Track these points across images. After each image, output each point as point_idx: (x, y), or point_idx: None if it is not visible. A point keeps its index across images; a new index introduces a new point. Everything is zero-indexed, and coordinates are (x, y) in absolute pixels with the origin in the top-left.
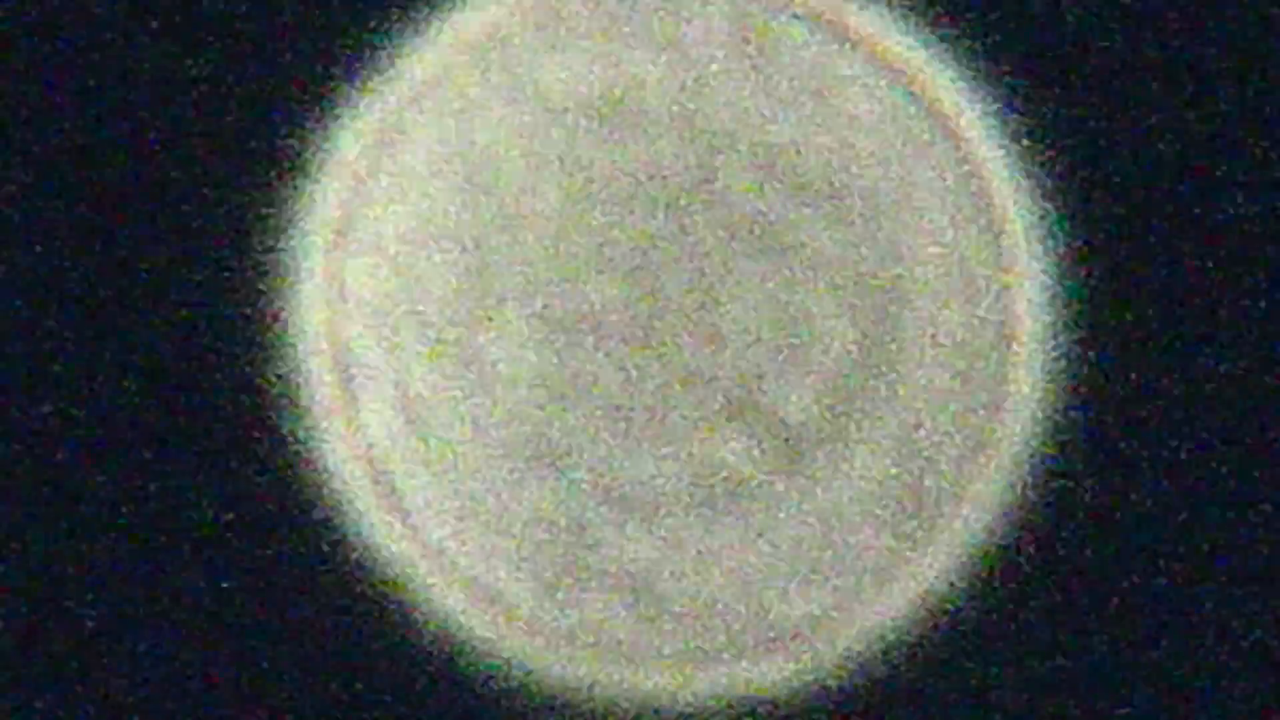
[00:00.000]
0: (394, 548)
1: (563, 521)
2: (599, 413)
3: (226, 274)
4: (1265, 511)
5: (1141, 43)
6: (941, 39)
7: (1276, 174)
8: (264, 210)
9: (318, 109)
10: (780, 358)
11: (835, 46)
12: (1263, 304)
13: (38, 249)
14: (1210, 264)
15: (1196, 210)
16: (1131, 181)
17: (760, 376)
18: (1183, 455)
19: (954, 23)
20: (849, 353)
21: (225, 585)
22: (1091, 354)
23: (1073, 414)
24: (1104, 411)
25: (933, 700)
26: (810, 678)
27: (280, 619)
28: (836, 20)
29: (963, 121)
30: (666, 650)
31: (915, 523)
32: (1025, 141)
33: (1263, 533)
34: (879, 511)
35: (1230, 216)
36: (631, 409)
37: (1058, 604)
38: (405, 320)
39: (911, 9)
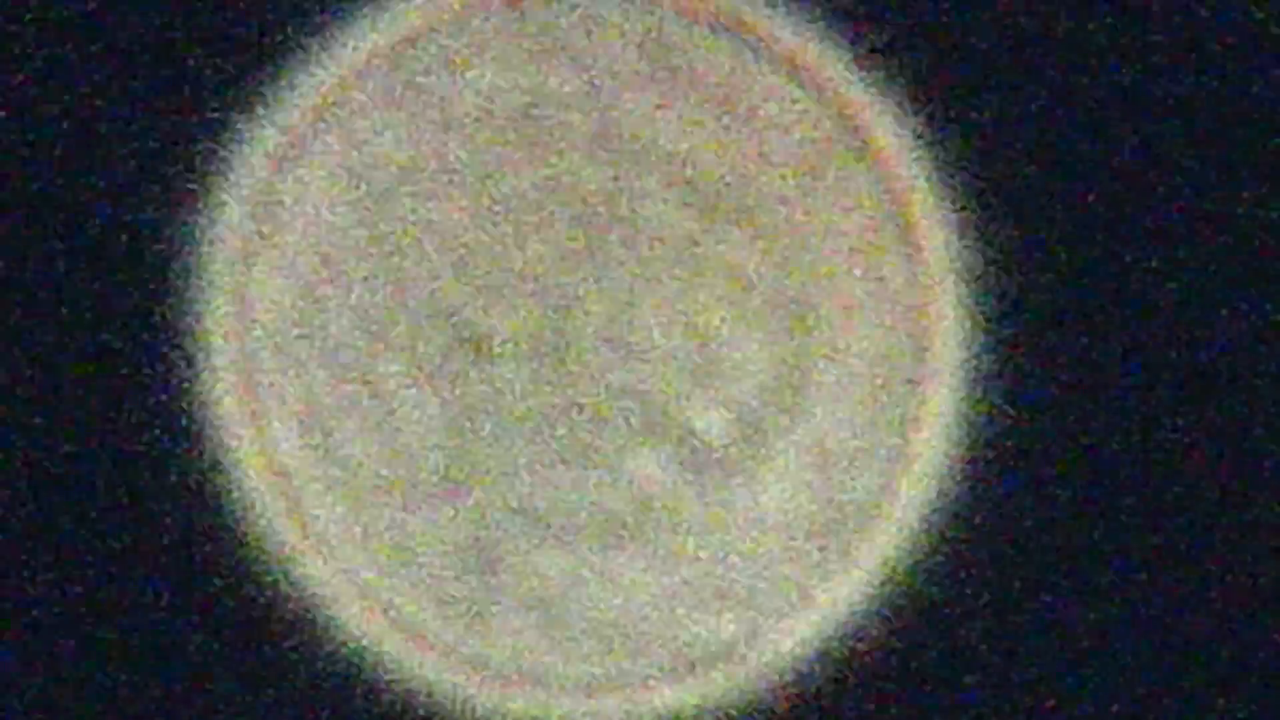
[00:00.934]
0: (302, 570)
1: (472, 544)
2: (509, 433)
3: (131, 294)
4: (1183, 523)
5: (1061, 57)
6: (857, 53)
7: (1195, 185)
8: (169, 229)
9: (223, 126)
10: (694, 377)
11: (750, 60)
12: (1181, 319)
13: None
14: (1129, 278)
15: (1116, 225)
16: (1049, 197)
17: (674, 396)
18: (1099, 469)
19: (869, 36)
20: (764, 371)
21: (128, 605)
22: (1007, 370)
23: (988, 431)
24: (1019, 428)
25: None
26: (724, 702)
27: (184, 642)
28: (751, 33)
29: (879, 137)
30: (577, 674)
31: (831, 543)
32: (941, 157)
33: (1181, 545)
34: (794, 533)
35: (1151, 229)
36: (542, 429)
37: (975, 623)
38: (312, 341)
39: (827, 23)
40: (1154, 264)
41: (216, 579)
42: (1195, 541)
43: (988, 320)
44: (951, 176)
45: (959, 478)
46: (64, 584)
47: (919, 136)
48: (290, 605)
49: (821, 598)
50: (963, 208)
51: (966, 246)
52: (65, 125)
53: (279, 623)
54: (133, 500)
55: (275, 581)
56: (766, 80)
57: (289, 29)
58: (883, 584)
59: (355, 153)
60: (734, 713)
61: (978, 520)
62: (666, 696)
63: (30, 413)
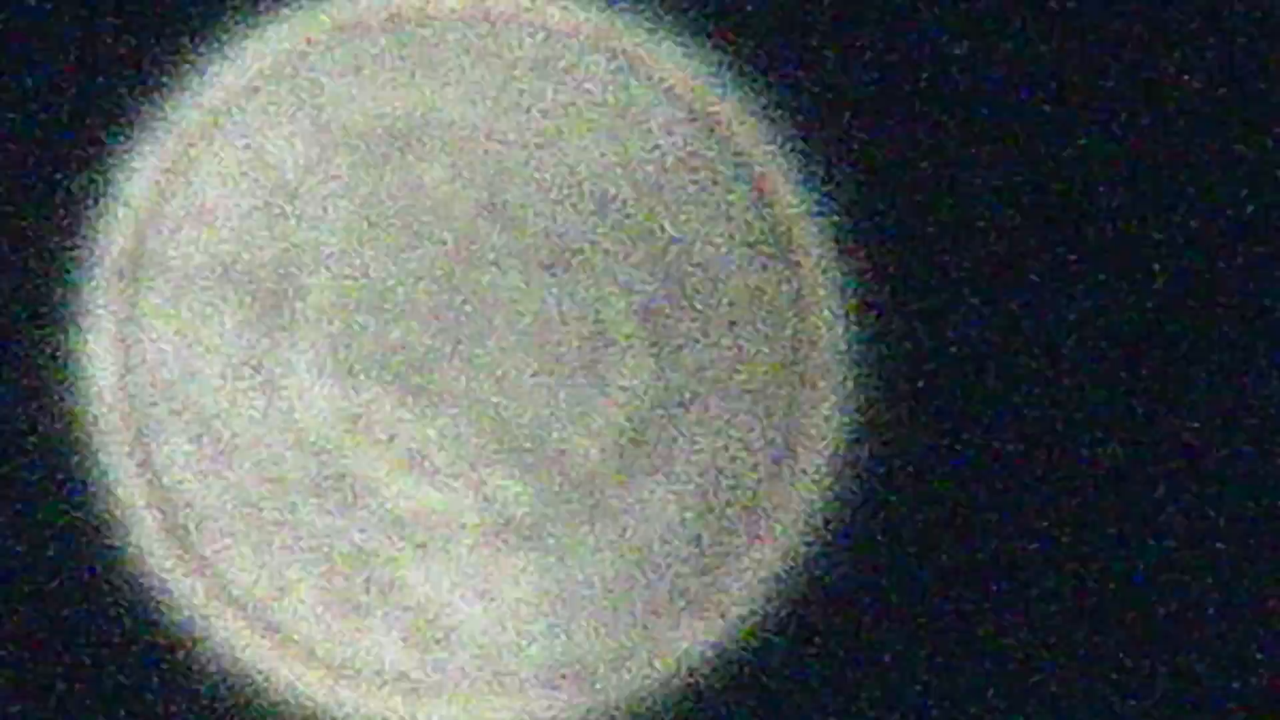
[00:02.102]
0: (179, 576)
1: (350, 551)
2: (388, 445)
3: (14, 303)
4: (1075, 542)
5: (948, 75)
6: (736, 72)
7: (1084, 194)
8: (54, 239)
9: (109, 135)
10: (570, 392)
11: (634, 78)
12: (1069, 339)
13: None
14: (1017, 289)
15: (1000, 239)
16: (931, 213)
17: (548, 411)
18: (986, 476)
19: (751, 54)
20: (642, 385)
21: (7, 614)
22: (889, 381)
23: (871, 441)
24: (903, 438)
25: None
26: (606, 713)
27: (64, 650)
28: (635, 53)
29: (760, 154)
30: (455, 683)
31: (715, 554)
32: (822, 171)
33: (1072, 562)
34: (676, 545)
35: (1042, 246)
36: (419, 442)
37: (864, 626)
38: (198, 351)
39: (709, 39)
40: (1050, 284)
41: (97, 584)
42: (1082, 544)
43: (866, 330)
44: (834, 193)
45: (843, 483)
46: None
47: (798, 153)
48: (167, 614)
49: (708, 606)
50: (845, 224)
51: (849, 263)
52: None
53: (156, 634)
54: (16, 511)
55: (154, 588)
56: (649, 100)
57: (182, 40)
58: (769, 591)
59: (244, 164)
60: None
61: (864, 523)
62: (547, 705)
63: None
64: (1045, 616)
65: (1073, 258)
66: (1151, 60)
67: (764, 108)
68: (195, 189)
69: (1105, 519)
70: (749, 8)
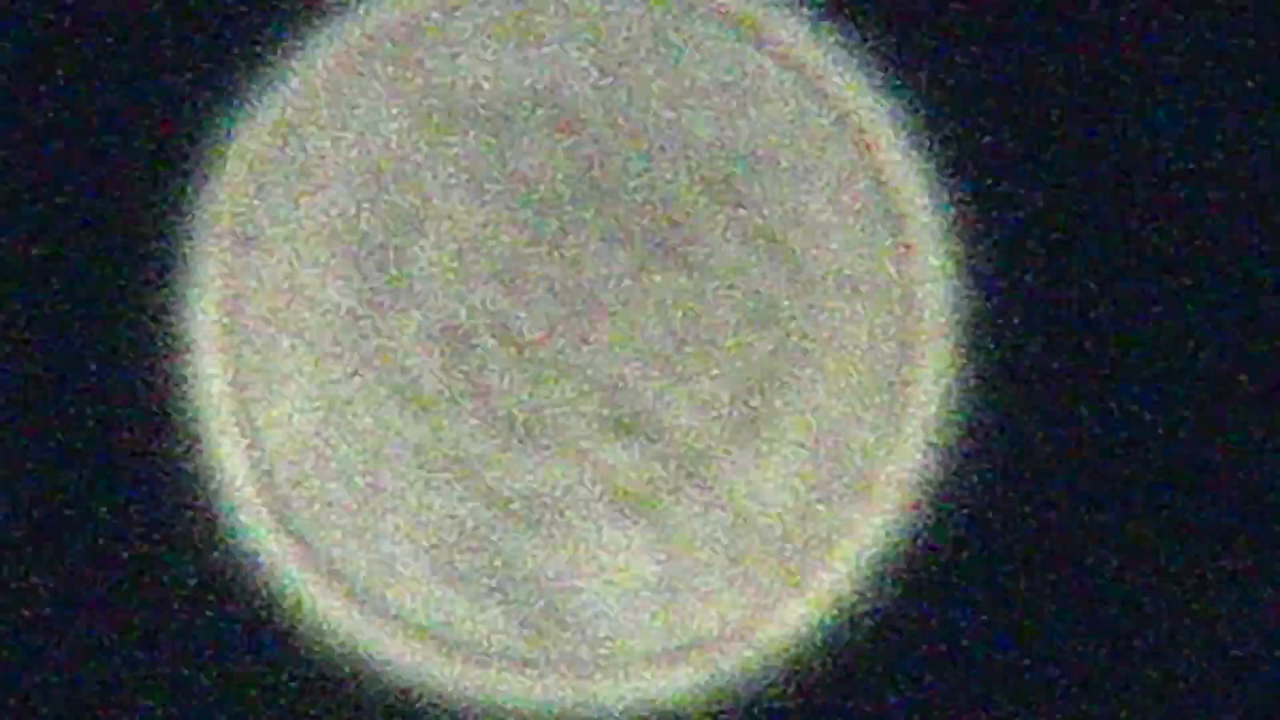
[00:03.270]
0: (285, 555)
1: (462, 530)
2: (497, 420)
3: (123, 274)
4: (1171, 512)
5: (1050, 47)
6: (854, 45)
7: (1183, 171)
8: (163, 209)
9: (221, 103)
10: (677, 365)
11: (749, 49)
12: (1168, 306)
13: None
14: (1120, 272)
15: (1104, 210)
16: (1038, 187)
17: (656, 385)
18: (1085, 453)
19: (867, 28)
20: (748, 358)
21: (108, 589)
22: (996, 356)
23: (978, 417)
24: (1009, 412)
25: (843, 707)
26: (718, 688)
27: (167, 624)
28: (751, 23)
29: (872, 128)
30: (565, 661)
31: (822, 527)
32: (934, 148)
33: (1169, 534)
34: (784, 518)
35: (1137, 216)
36: (529, 418)
37: (967, 605)
38: (303, 322)
39: (826, 13)
40: (1149, 253)
41: (200, 565)
42: (1190, 527)
43: (976, 311)
44: (944, 171)
45: (948, 463)
46: (47, 571)
47: (914, 131)
48: (274, 592)
49: (815, 583)
50: (954, 200)
51: (957, 238)
52: (59, 108)
53: (259, 612)
54: (118, 485)
55: (259, 567)
56: (768, 73)
57: (290, 11)
58: (873, 568)
59: (349, 136)
60: (728, 698)
61: (968, 503)
62: (659, 683)
63: (18, 394)
64: (1152, 590)
65: (1186, 243)
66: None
67: (878, 79)
68: (304, 157)
69: (1204, 496)
70: None
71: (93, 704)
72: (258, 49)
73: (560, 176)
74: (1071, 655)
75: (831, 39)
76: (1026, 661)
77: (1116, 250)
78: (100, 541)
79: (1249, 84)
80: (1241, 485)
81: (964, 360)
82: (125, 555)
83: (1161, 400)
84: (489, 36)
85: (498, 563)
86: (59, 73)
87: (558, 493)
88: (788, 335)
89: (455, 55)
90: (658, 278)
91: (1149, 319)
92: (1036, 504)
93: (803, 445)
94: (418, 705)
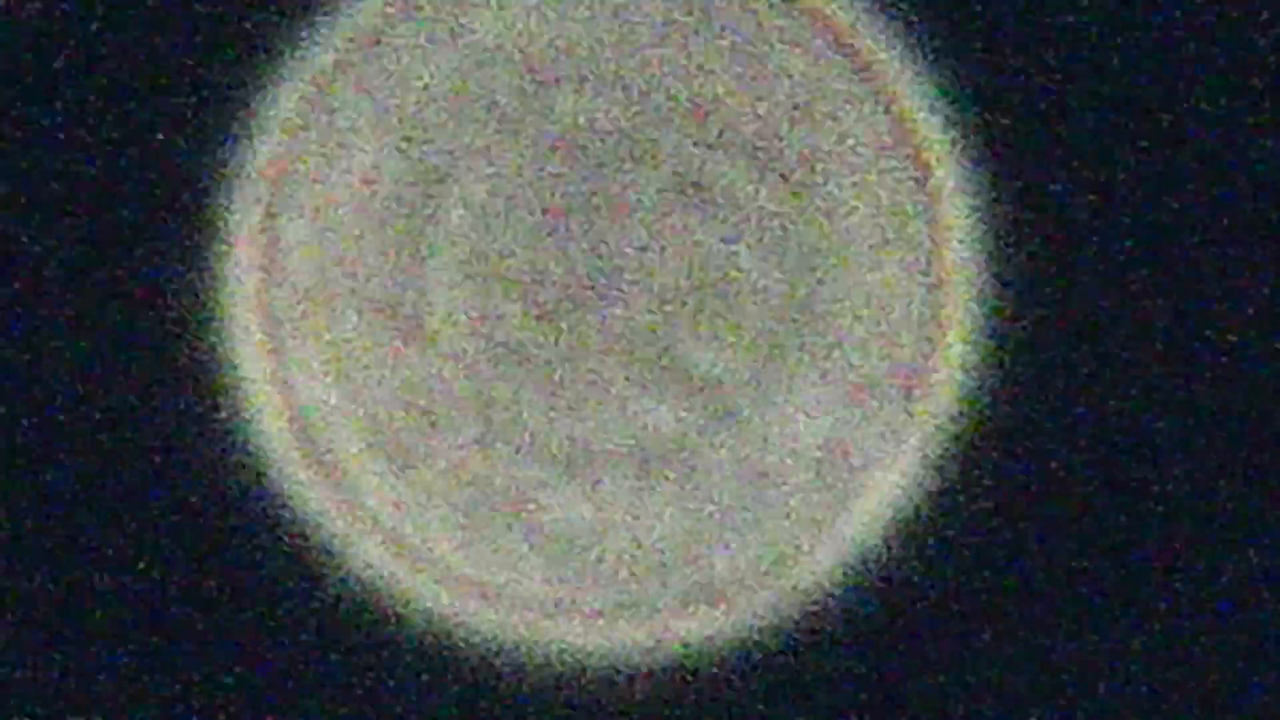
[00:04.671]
0: (322, 506)
1: (493, 479)
2: (529, 372)
3: (156, 238)
4: (1189, 484)
5: (1089, 19)
6: (882, 3)
7: (1209, 151)
8: (194, 167)
9: (252, 64)
10: (706, 315)
11: (777, 8)
12: (1192, 280)
13: None
14: (1144, 228)
15: (1130, 176)
16: (1063, 147)
17: (685, 335)
18: (1111, 416)
19: None
20: (777, 309)
21: (151, 551)
22: (1023, 312)
23: (1004, 372)
24: (1033, 369)
25: (865, 655)
26: (745, 632)
27: (209, 580)
28: None
29: (897, 82)
30: (595, 607)
31: (847, 479)
32: (958, 104)
33: (1184, 508)
34: (809, 468)
35: (1165, 189)
36: (561, 369)
37: (987, 559)
38: (337, 277)
39: None
40: (1175, 227)
41: (241, 519)
42: (1215, 500)
43: (1003, 261)
44: (972, 125)
45: (975, 414)
46: (87, 535)
47: (941, 90)
48: (312, 542)
49: (841, 529)
50: (981, 154)
51: (983, 195)
52: (88, 71)
53: (302, 564)
54: (157, 447)
55: (298, 519)
56: (794, 32)
57: None
58: (900, 517)
59: (383, 94)
60: (755, 642)
61: (994, 454)
62: (686, 626)
63: (51, 364)
64: (1167, 563)
65: (1211, 221)
66: None
67: (903, 37)
68: (335, 115)
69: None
70: None
71: (143, 662)
72: (292, 7)
73: (591, 132)
74: (1087, 614)
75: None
76: (1042, 619)
77: (1152, 219)
78: (143, 505)
79: None
80: (1261, 486)
81: (990, 320)
82: (166, 516)
83: (1195, 367)
84: None
85: (528, 510)
86: (89, 41)
87: (588, 442)
88: (816, 286)
89: (488, 12)
90: (687, 230)
91: (1183, 287)
92: (1059, 466)
93: (830, 397)
94: (451, 649)
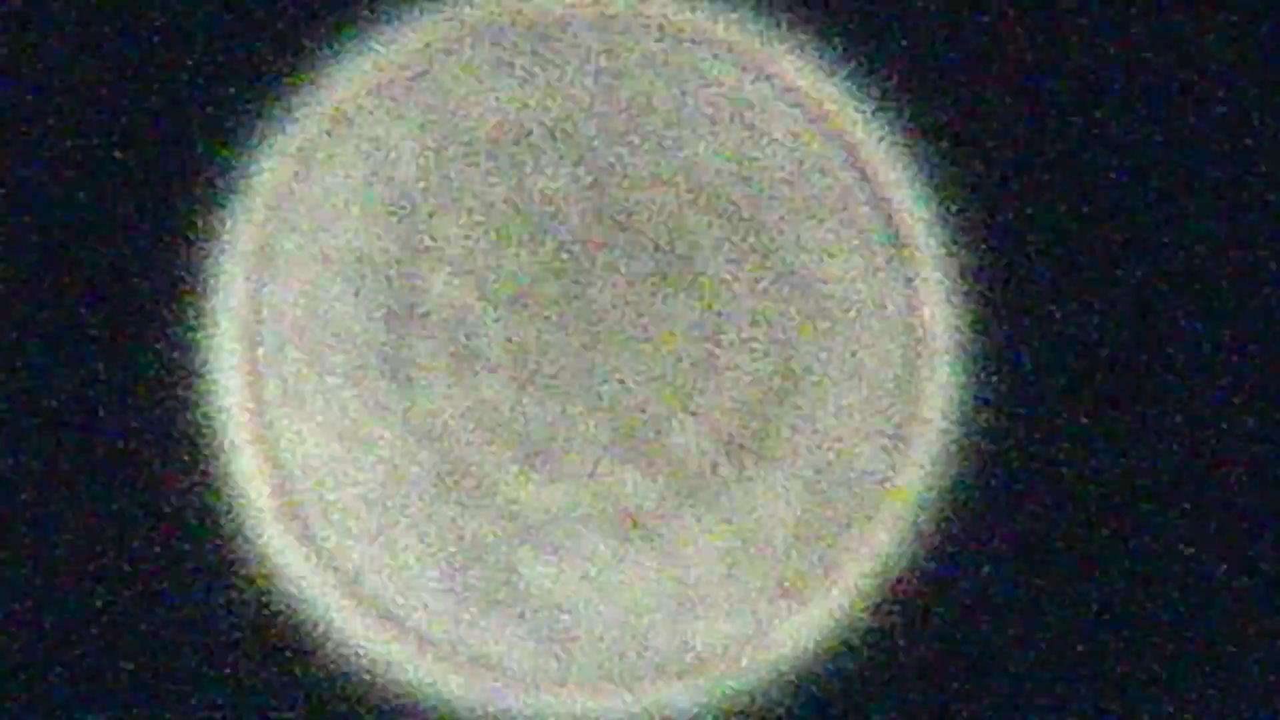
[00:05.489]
0: (302, 571)
1: (475, 548)
2: (508, 443)
3: (143, 299)
4: (1177, 528)
5: (1054, 72)
6: (855, 72)
7: (1186, 183)
8: (181, 235)
9: (234, 135)
10: (685, 387)
11: (752, 78)
12: (1174, 323)
13: None
14: (1122, 285)
15: (1109, 232)
16: (1041, 208)
17: (664, 407)
18: (1092, 470)
19: (868, 56)
20: (755, 381)
21: (125, 608)
22: (1001, 375)
23: (983, 437)
24: (1014, 431)
25: None
26: (721, 704)
27: (184, 639)
28: (754, 53)
29: (875, 154)
30: (576, 677)
31: (827, 548)
32: (936, 172)
33: (1177, 547)
34: (789, 538)
35: (1148, 240)
36: (540, 438)
37: (971, 629)
38: (320, 346)
39: (827, 43)
40: (1146, 270)
41: (218, 581)
42: (1196, 534)
43: (981, 330)
44: (947, 195)
45: (955, 480)
46: (61, 581)
47: (915, 153)
48: (289, 607)
49: (819, 600)
50: (955, 218)
51: (962, 261)
52: (81, 130)
53: (276, 625)
54: (136, 503)
55: (275, 582)
56: (768, 100)
57: (308, 36)
58: (882, 584)
59: (366, 165)
60: (736, 713)
61: (975, 521)
62: (665, 699)
63: (37, 409)
64: (1161, 604)
65: (1200, 262)
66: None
67: (880, 108)
68: (320, 186)
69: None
70: (865, 9)
71: (103, 707)
72: (276, 80)
73: (571, 204)
74: (1077, 677)
75: (833, 68)
76: (1031, 683)
77: (1121, 273)
78: (119, 559)
79: (1253, 87)
80: (1256, 498)
81: (968, 383)
82: (145, 571)
83: (1166, 415)
84: (501, 69)
85: (509, 579)
86: (81, 99)
87: (567, 512)
88: (793, 358)
89: (468, 88)
90: (665, 302)
91: (1154, 338)
92: (1041, 524)
93: (807, 467)
94: (430, 716)
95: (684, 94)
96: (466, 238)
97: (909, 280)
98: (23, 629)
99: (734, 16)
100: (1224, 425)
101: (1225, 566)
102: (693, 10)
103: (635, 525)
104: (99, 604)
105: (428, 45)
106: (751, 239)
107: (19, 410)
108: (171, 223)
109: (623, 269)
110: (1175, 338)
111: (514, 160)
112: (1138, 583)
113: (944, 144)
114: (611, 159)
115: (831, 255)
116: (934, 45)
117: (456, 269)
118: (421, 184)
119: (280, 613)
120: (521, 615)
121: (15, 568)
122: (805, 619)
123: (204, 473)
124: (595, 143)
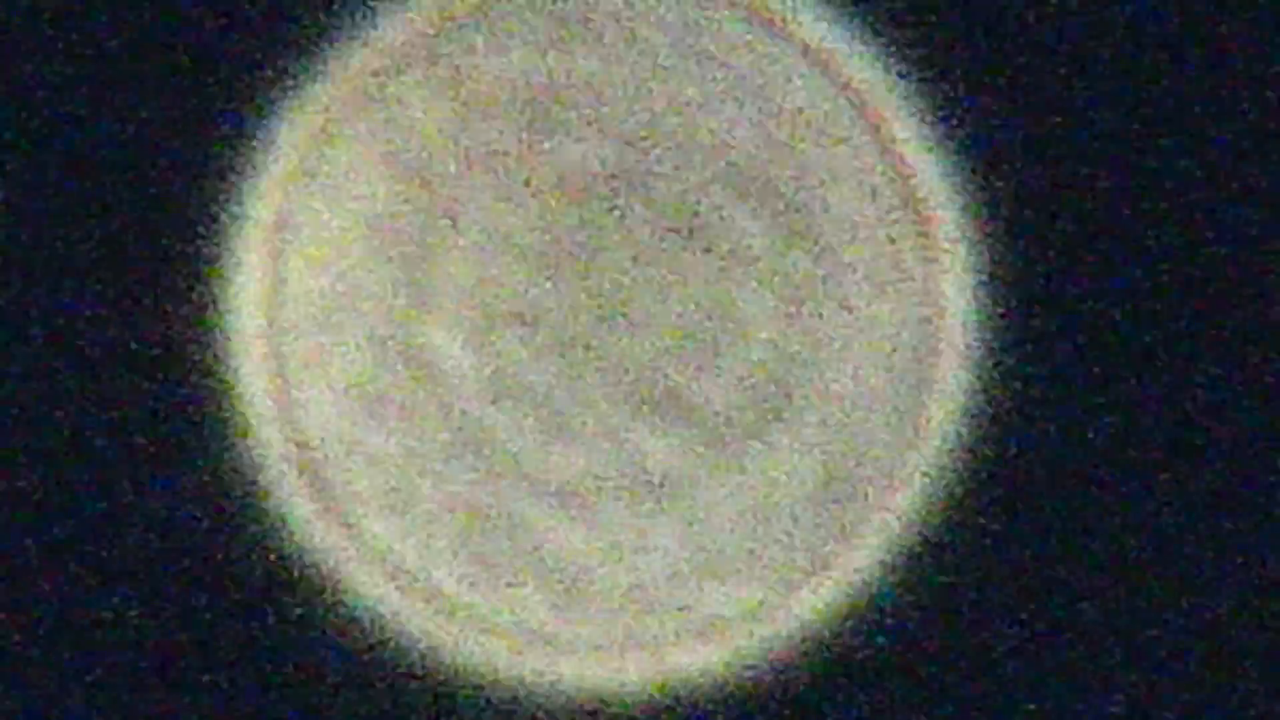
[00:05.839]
0: (324, 536)
1: (495, 513)
2: (529, 406)
3: (164, 269)
4: (1187, 502)
5: (1075, 45)
6: (878, 38)
7: (1203, 169)
8: (203, 206)
9: (256, 106)
10: (706, 350)
11: (773, 43)
12: (1188, 304)
13: None
14: (1139, 260)
15: (1131, 205)
16: (1059, 180)
17: (685, 369)
18: (1105, 444)
19: (891, 21)
20: (775, 345)
21: (152, 575)
22: (1017, 344)
23: (999, 403)
24: (1030, 401)
25: (864, 690)
26: (741, 668)
27: (210, 607)
28: (775, 18)
29: (896, 121)
30: (595, 641)
31: (845, 513)
32: (955, 138)
33: (1184, 524)
34: (808, 502)
35: (1161, 212)
36: (560, 402)
37: (985, 592)
38: (341, 314)
39: (850, 7)
40: (1171, 250)
41: (242, 546)
42: (1205, 525)
43: (997, 295)
44: (964, 159)
45: (972, 446)
46: (90, 555)
47: (934, 121)
48: (312, 572)
49: (839, 565)
50: (974, 188)
51: (977, 224)
52: (100, 105)
53: (299, 589)
54: (161, 473)
55: (299, 548)
56: (789, 66)
57: (331, 5)
58: (898, 550)
59: (392, 133)
60: (752, 678)
61: (991, 487)
62: (683, 661)
63: (58, 385)
64: (1168, 586)
65: (1214, 239)
66: None
67: (900, 73)
68: (339, 156)
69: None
70: None
71: (139, 693)
72: (298, 50)
73: (592, 170)
74: (1087, 647)
75: (856, 33)
76: (1042, 653)
77: (1140, 246)
78: (142, 527)
79: None
80: (1265, 498)
81: (985, 352)
82: (169, 542)
83: (1182, 397)
84: (523, 37)
85: (529, 543)
86: (100, 69)
87: (587, 476)
88: (813, 322)
89: (491, 54)
90: (685, 268)
91: (1173, 315)
92: (1055, 497)
93: (826, 431)
94: (452, 681)
95: (706, 60)
96: (487, 205)
97: (928, 245)
98: (44, 601)
99: None
100: (1234, 416)
101: (1232, 565)
102: None
103: (655, 489)
104: (121, 572)
105: (449, 13)
106: (771, 204)
107: (41, 380)
108: (193, 193)
109: (644, 235)
110: (1198, 320)
111: (535, 128)
112: (1149, 566)
113: (966, 112)
114: (633, 125)
115: (851, 220)
116: (960, 14)
117: (477, 236)
118: (443, 152)
119: (303, 580)
120: (541, 579)
121: (37, 537)
122: (826, 584)
123: (225, 441)
124: (617, 109)
